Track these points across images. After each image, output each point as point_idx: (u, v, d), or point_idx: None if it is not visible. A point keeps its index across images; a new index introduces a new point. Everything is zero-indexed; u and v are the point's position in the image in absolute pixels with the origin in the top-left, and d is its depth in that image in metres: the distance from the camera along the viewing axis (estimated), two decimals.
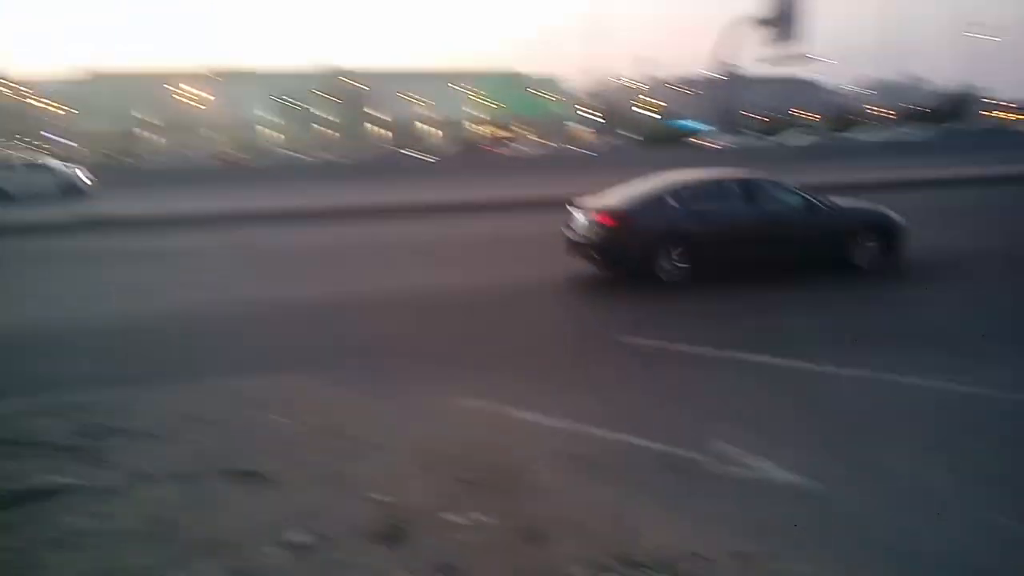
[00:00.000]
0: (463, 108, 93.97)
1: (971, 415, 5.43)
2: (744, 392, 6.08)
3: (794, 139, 45.76)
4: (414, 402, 5.81)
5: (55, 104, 79.82)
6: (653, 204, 10.27)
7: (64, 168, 29.53)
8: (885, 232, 10.80)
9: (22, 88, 78.84)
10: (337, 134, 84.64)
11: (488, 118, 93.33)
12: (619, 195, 10.76)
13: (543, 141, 70.48)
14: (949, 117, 76.92)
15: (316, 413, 5.53)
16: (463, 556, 3.44)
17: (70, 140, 74.68)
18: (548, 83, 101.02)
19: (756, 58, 49.02)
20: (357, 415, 5.50)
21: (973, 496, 4.20)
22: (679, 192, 10.36)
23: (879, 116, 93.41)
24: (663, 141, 52.11)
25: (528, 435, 5.11)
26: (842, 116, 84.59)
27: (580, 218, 10.64)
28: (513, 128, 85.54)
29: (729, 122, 57.58)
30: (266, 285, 11.12)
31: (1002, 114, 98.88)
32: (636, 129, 73.30)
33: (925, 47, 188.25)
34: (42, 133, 77.00)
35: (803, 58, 46.85)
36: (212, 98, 78.26)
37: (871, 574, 3.33)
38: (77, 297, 10.61)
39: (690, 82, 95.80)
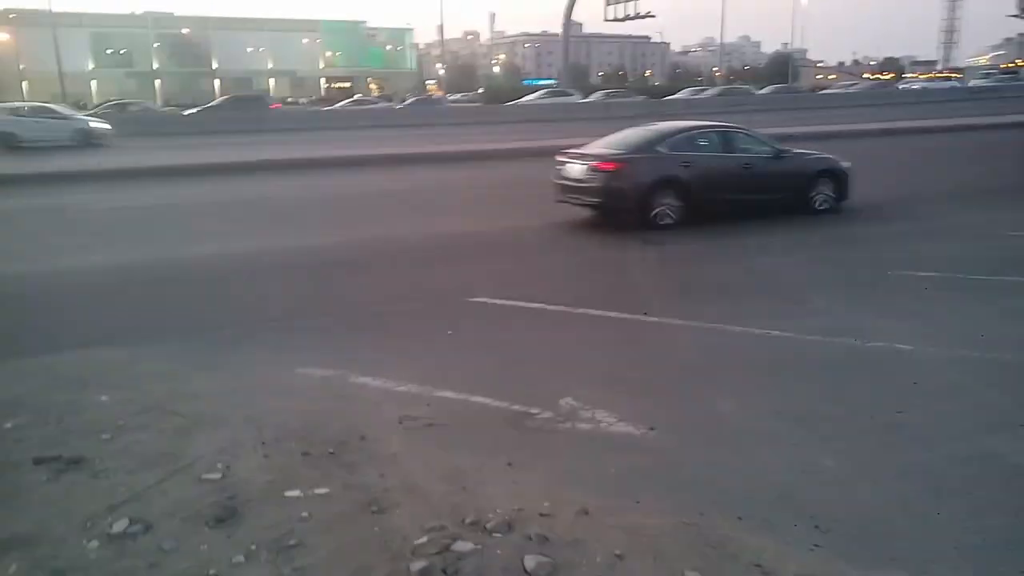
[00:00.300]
0: (309, 60, 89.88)
1: (791, 359, 5.80)
2: (591, 348, 6.21)
3: (591, 98, 46.90)
4: (258, 373, 5.52)
5: None
6: (647, 152, 10.94)
7: (77, 115, 27.81)
8: (836, 177, 11.98)
9: None
10: (164, 85, 78.89)
11: (330, 69, 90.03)
12: (614, 143, 11.40)
13: (372, 95, 68.52)
14: (775, 78, 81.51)
15: (148, 390, 5.14)
16: (302, 533, 3.29)
17: None
18: (397, 36, 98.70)
19: (604, 17, 50.32)
20: (195, 390, 5.15)
21: (797, 438, 4.48)
22: (669, 140, 11.05)
23: (713, 76, 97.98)
24: (503, 98, 51.87)
25: (374, 402, 4.96)
26: (676, 75, 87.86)
27: (575, 166, 11.07)
28: (357, 82, 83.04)
29: (574, 79, 58.38)
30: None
31: (829, 76, 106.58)
32: (484, 85, 73.07)
33: (762, 11, 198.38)
34: None
35: (646, 17, 48.38)
36: (17, 43, 69.78)
37: (707, 521, 3.46)
38: None
39: (540, 39, 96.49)
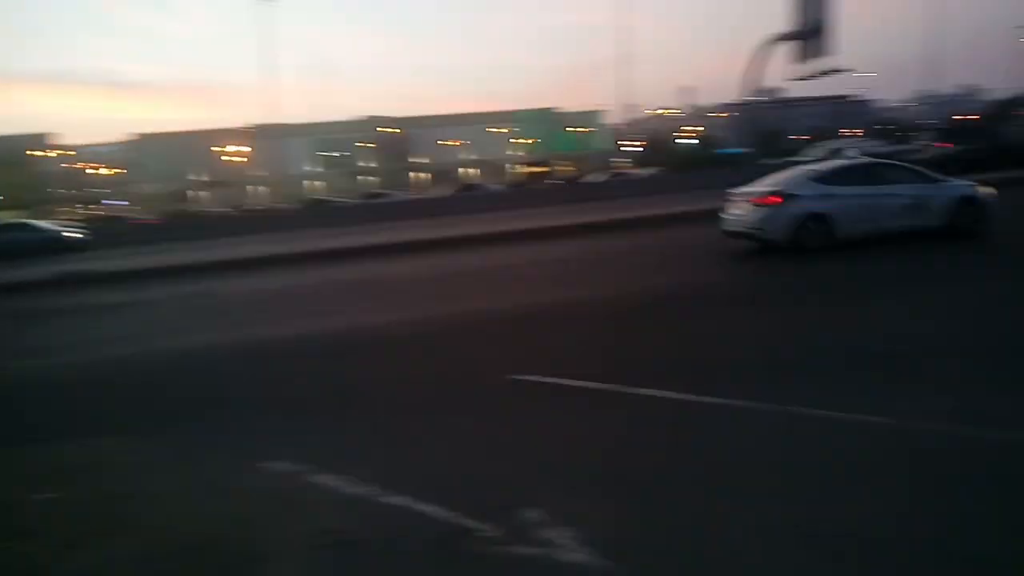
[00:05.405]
0: (504, 148, 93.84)
1: (887, 461, 4.26)
2: (607, 439, 4.96)
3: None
4: (216, 467, 4.91)
5: (108, 167, 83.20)
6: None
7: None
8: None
9: (70, 152, 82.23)
10: (378, 181, 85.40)
11: (526, 156, 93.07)
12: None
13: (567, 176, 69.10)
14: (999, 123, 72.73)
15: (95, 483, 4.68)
16: None
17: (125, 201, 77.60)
18: (587, 118, 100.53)
19: (787, 76, 47.71)
20: (142, 485, 4.62)
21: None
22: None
23: (924, 129, 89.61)
24: (698, 168, 50.53)
25: (311, 508, 4.14)
26: (886, 131, 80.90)
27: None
28: (550, 165, 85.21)
29: (766, 144, 55.86)
30: (184, 335, 10.43)
31: None
32: (676, 158, 71.93)
33: (980, 55, 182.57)
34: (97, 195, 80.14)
35: (837, 72, 45.27)
36: (255, 153, 79.82)
37: None
38: None
39: (729, 107, 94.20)
